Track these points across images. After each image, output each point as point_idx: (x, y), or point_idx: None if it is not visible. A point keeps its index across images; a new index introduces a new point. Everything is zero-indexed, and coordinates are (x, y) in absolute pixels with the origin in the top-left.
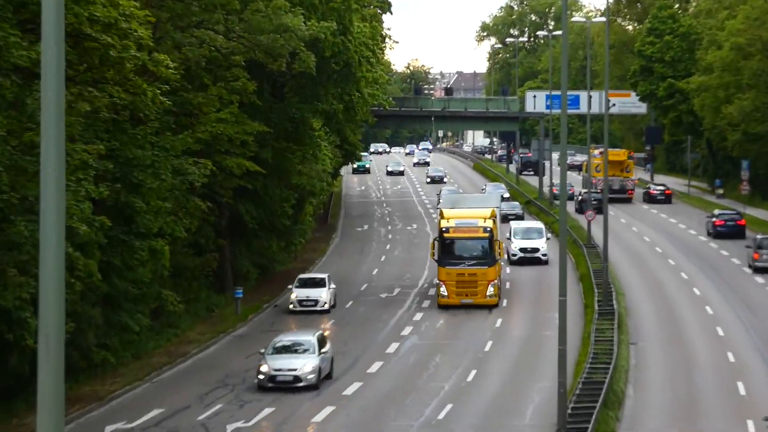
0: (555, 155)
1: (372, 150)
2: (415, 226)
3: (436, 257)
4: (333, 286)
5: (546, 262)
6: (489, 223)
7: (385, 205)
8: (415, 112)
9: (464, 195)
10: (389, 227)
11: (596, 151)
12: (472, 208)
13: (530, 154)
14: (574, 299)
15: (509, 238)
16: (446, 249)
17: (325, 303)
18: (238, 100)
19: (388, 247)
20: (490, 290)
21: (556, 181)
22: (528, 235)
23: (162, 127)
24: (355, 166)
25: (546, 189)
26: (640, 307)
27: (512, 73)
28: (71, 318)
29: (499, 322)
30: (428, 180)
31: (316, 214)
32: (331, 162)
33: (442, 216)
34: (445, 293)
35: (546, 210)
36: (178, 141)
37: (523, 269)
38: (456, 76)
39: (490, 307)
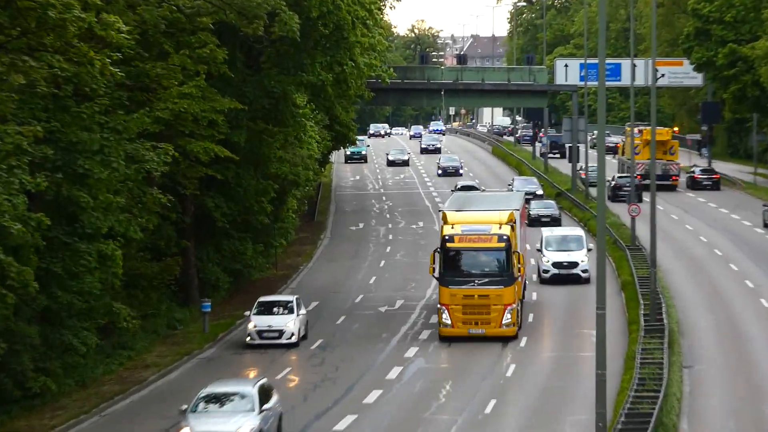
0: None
1: (372, 131)
2: (421, 224)
3: (436, 274)
4: (303, 311)
5: (587, 281)
6: (506, 230)
7: (384, 198)
8: (420, 84)
9: (474, 194)
10: (390, 225)
11: (634, 130)
12: (485, 211)
13: (562, 135)
14: (616, 313)
15: (540, 250)
16: (450, 263)
17: (293, 334)
18: (206, 71)
19: (388, 249)
20: (507, 317)
21: (584, 166)
22: (564, 245)
23: (113, 105)
24: (348, 152)
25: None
26: (697, 322)
27: (539, 38)
28: (2, 337)
29: (524, 341)
30: (440, 172)
31: (300, 209)
32: (319, 146)
33: (445, 220)
34: (449, 321)
35: (581, 204)
36: (132, 121)
37: (555, 290)
38: (471, 40)
39: (505, 339)
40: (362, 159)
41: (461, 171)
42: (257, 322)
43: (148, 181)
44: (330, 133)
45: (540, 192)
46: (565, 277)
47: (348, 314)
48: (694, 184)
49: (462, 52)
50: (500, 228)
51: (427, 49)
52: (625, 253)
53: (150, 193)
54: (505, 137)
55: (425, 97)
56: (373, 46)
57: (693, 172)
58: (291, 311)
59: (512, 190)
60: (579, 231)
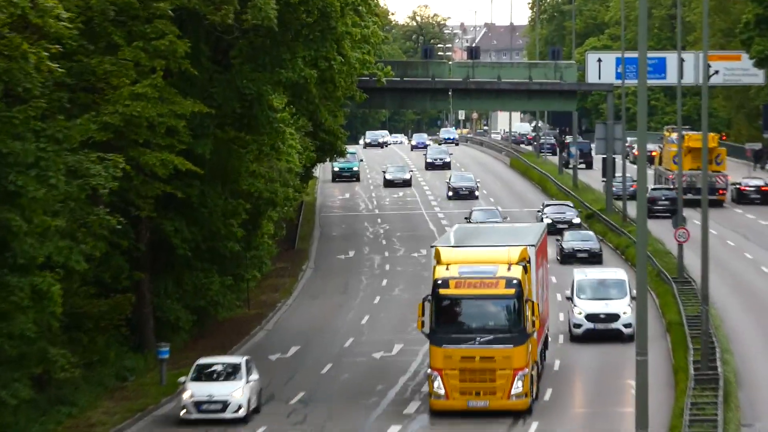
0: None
1: (369, 140)
2: (424, 252)
3: (426, 329)
4: (255, 376)
5: (630, 338)
6: (516, 272)
7: (380, 221)
8: (424, 83)
9: (480, 226)
10: (386, 253)
11: (673, 136)
12: (490, 246)
13: (587, 142)
14: (660, 359)
15: (570, 298)
16: (444, 316)
17: (240, 406)
18: (164, 67)
19: (384, 282)
20: (518, 386)
21: (611, 176)
22: (601, 292)
23: (51, 108)
24: (336, 168)
25: (617, 196)
26: (758, 371)
27: (567, 27)
28: None
29: (548, 393)
30: (450, 194)
31: (277, 234)
32: (301, 158)
33: (438, 260)
34: (442, 391)
35: (617, 228)
36: (74, 128)
37: (588, 350)
38: (484, 30)
39: (515, 414)
40: (354, 177)
41: (477, 192)
42: (195, 390)
43: (94, 200)
44: (314, 142)
45: (577, 220)
46: (601, 333)
47: (335, 362)
48: (740, 198)
49: (474, 45)
50: (509, 269)
51: (432, 41)
52: (671, 287)
53: (96, 214)
54: (523, 146)
55: (429, 99)
56: (367, 37)
57: (739, 183)
58: (238, 377)
59: (543, 217)
60: (620, 273)
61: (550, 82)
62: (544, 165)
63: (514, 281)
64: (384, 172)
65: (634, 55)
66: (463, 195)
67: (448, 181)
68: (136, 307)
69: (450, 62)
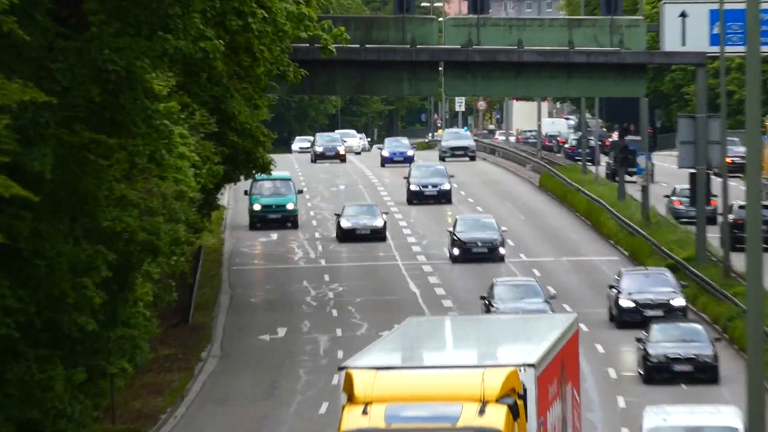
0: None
1: (320, 149)
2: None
3: None
4: None
5: None
6: (495, 418)
7: (328, 278)
8: (398, 52)
9: (438, 322)
10: (338, 332)
11: None
12: (447, 369)
13: (638, 139)
14: None
15: None
16: None
17: None
18: None
19: (336, 380)
20: None
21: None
22: None
23: None
24: (256, 206)
25: (715, 238)
26: None
27: None
28: None
29: None
30: (456, 252)
31: (162, 301)
32: (199, 175)
33: (350, 394)
34: None
35: (714, 287)
36: None
37: None
38: None
39: None
40: (287, 221)
41: (502, 249)
42: None
43: None
44: (220, 148)
45: (679, 302)
46: None
47: None
48: None
49: None
50: (482, 413)
51: None
52: None
53: None
54: (557, 154)
55: (407, 78)
56: None
57: None
58: None
59: (618, 294)
60: (728, 415)
61: (604, 51)
62: (595, 185)
63: None
64: (338, 216)
65: (740, 5)
66: (478, 254)
67: (452, 230)
68: None
69: (440, 19)
